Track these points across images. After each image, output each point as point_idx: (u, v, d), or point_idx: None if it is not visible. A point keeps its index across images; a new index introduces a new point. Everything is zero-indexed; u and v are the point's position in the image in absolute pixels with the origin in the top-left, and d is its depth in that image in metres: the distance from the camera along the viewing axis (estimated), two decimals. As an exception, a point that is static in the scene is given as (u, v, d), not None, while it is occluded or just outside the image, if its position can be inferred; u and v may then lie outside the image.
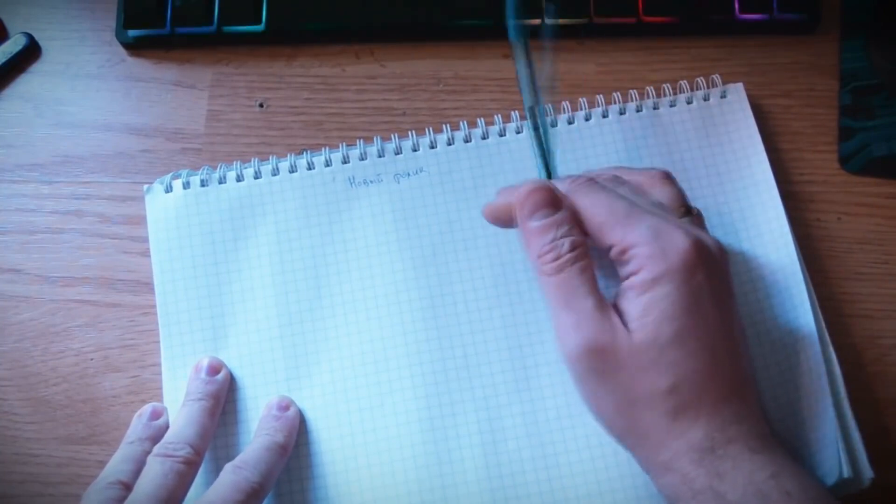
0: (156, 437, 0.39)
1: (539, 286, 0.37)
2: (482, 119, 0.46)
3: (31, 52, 0.49)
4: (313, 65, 0.49)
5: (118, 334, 0.44)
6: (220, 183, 0.45)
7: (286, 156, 0.45)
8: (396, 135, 0.46)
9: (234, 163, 0.45)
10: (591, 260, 0.36)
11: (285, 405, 0.41)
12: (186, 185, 0.45)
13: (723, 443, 0.33)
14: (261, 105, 0.48)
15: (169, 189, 0.45)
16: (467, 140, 0.46)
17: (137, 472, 0.37)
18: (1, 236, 0.46)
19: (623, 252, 0.35)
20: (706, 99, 0.46)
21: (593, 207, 0.36)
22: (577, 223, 0.37)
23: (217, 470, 0.38)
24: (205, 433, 0.39)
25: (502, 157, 0.45)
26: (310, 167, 0.45)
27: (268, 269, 0.43)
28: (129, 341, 0.44)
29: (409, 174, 0.45)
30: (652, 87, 0.47)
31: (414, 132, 0.46)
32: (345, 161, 0.45)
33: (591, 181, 0.37)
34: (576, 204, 0.37)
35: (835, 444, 0.39)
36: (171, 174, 0.45)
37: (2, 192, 0.47)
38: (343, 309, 0.43)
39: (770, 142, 0.46)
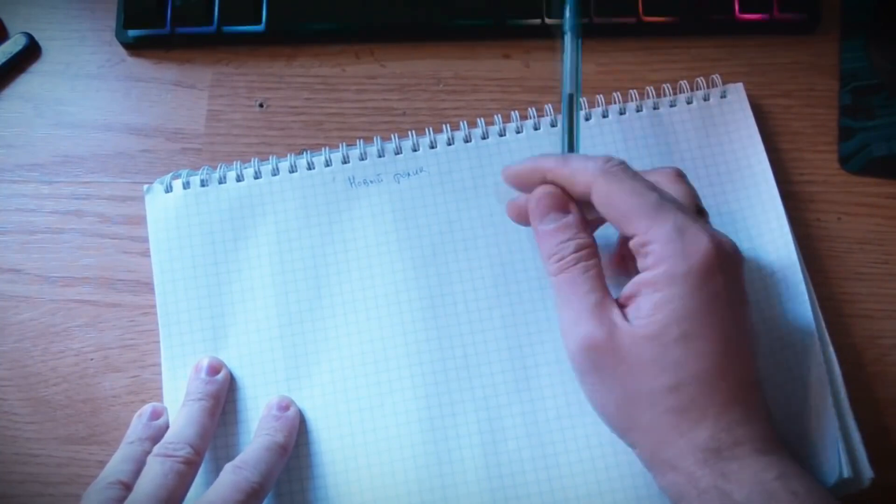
0: (156, 437, 0.39)
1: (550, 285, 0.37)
2: (482, 119, 0.46)
3: (31, 52, 0.49)
4: (313, 65, 0.49)
5: (118, 334, 0.44)
6: (220, 183, 0.45)
7: (286, 156, 0.45)
8: (396, 135, 0.46)
9: (234, 163, 0.45)
10: (598, 260, 0.37)
11: (285, 405, 0.41)
12: (186, 185, 0.45)
13: (729, 444, 0.33)
14: (261, 105, 0.48)
15: (169, 189, 0.45)
16: (467, 140, 0.46)
17: (137, 472, 0.37)
18: (1, 236, 0.46)
19: (643, 245, 0.35)
20: (706, 99, 0.46)
21: (622, 194, 0.35)
22: (585, 225, 0.37)
23: (217, 470, 0.37)
24: (205, 433, 0.39)
25: (502, 157, 0.45)
26: (310, 167, 0.45)
27: (268, 269, 0.43)
28: (129, 341, 0.44)
29: (409, 174, 0.45)
30: (652, 87, 0.47)
31: (414, 132, 0.46)
32: (345, 161, 0.45)
33: (626, 167, 0.37)
34: (606, 187, 0.36)
35: (835, 445, 0.39)
36: (171, 174, 0.45)
37: (2, 192, 0.47)
38: (343, 309, 0.43)
39: (770, 142, 0.46)
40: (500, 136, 0.46)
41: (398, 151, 0.45)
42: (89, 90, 0.49)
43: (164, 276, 0.43)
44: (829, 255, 0.45)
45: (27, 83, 0.49)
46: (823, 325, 0.42)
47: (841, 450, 0.38)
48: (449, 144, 0.45)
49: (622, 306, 0.35)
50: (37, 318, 0.45)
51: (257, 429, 0.40)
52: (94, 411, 0.43)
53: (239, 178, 0.45)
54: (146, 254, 0.44)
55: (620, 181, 0.36)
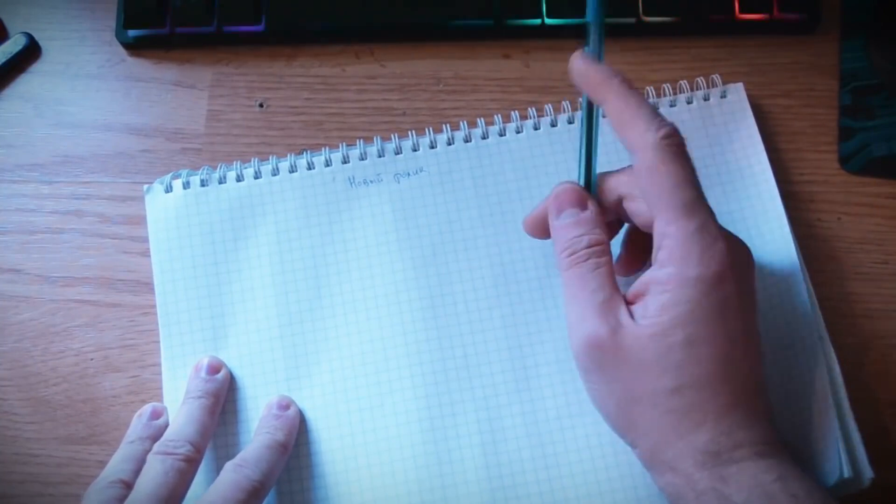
0: (156, 437, 0.39)
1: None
2: (482, 119, 0.46)
3: (31, 52, 0.49)
4: (313, 65, 0.49)
5: (118, 334, 0.44)
6: (220, 183, 0.45)
7: (286, 156, 0.45)
8: (396, 135, 0.46)
9: (234, 163, 0.45)
10: (610, 258, 0.37)
11: (285, 404, 0.41)
12: (186, 185, 0.45)
13: (729, 447, 0.33)
14: (261, 105, 0.48)
15: (169, 189, 0.45)
16: (467, 140, 0.46)
17: (138, 472, 0.37)
18: (1, 236, 0.46)
19: (663, 237, 0.34)
20: (706, 99, 0.46)
21: (662, 176, 0.34)
22: (601, 222, 0.37)
23: (218, 470, 0.37)
24: (204, 431, 0.39)
25: (502, 157, 0.45)
26: (310, 167, 0.45)
27: (268, 269, 0.43)
28: (129, 341, 0.44)
29: (409, 174, 0.45)
30: (652, 87, 0.47)
31: (414, 132, 0.46)
32: (345, 161, 0.45)
33: (682, 147, 0.35)
34: (652, 161, 0.35)
35: (835, 445, 0.39)
36: (171, 174, 0.45)
37: (2, 192, 0.47)
38: (343, 309, 0.43)
39: (770, 142, 0.46)
40: (500, 136, 0.46)
41: (398, 151, 0.45)
42: (89, 90, 0.49)
43: (164, 276, 0.43)
44: (829, 255, 0.45)
45: (27, 83, 0.49)
46: (823, 325, 0.42)
47: (841, 450, 0.38)
48: (449, 144, 0.45)
49: (630, 303, 0.35)
50: (37, 318, 0.45)
51: (257, 428, 0.40)
52: (94, 411, 0.43)
53: (239, 178, 0.45)
54: (146, 254, 0.44)
55: (669, 162, 0.35)
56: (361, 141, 0.45)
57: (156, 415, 0.41)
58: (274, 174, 0.45)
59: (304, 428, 0.41)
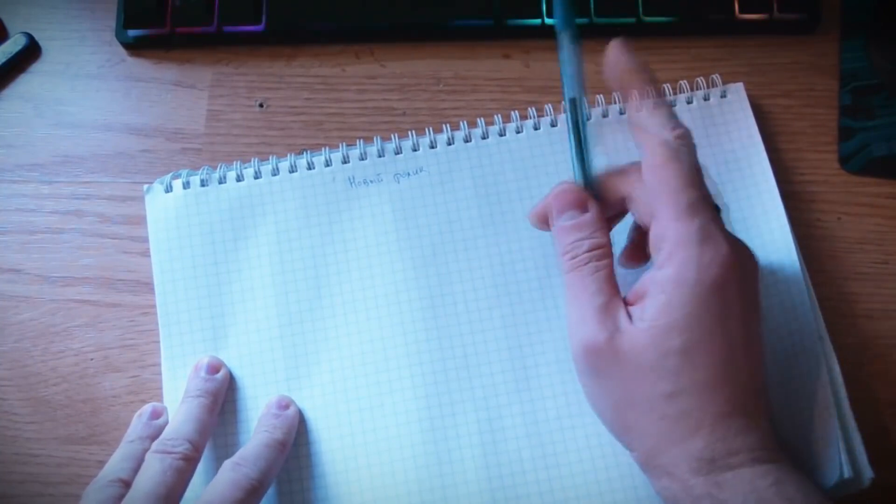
0: (156, 437, 0.39)
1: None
2: (482, 119, 0.46)
3: (31, 52, 0.49)
4: (313, 65, 0.49)
5: (118, 334, 0.44)
6: (220, 183, 0.45)
7: (286, 156, 0.45)
8: (396, 135, 0.46)
9: (234, 163, 0.45)
10: (611, 260, 0.36)
11: (285, 404, 0.41)
12: (186, 185, 0.45)
13: (724, 454, 0.33)
14: (261, 105, 0.48)
15: (169, 189, 0.45)
16: (467, 140, 0.46)
17: (137, 470, 0.37)
18: (1, 236, 0.46)
19: (664, 237, 0.34)
20: (706, 99, 0.46)
21: (668, 173, 0.34)
22: (602, 224, 0.37)
23: (216, 469, 0.37)
24: (203, 429, 0.39)
25: (502, 157, 0.45)
26: (310, 167, 0.45)
27: (268, 269, 0.43)
28: (129, 341, 0.44)
29: (409, 174, 0.45)
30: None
31: (414, 132, 0.46)
32: (345, 161, 0.45)
33: (690, 147, 0.35)
34: (658, 158, 0.34)
35: (835, 445, 0.39)
36: (171, 174, 0.45)
37: (2, 192, 0.47)
38: (343, 309, 0.43)
39: (770, 142, 0.46)
40: (500, 136, 0.46)
41: (398, 151, 0.45)
42: (89, 90, 0.49)
43: (164, 276, 0.43)
44: (829, 255, 0.45)
45: (27, 83, 0.49)
46: (823, 325, 0.42)
47: (841, 450, 0.38)
48: (449, 144, 0.45)
49: (630, 304, 0.35)
50: (37, 318, 0.45)
51: (256, 426, 0.40)
52: (94, 411, 0.43)
53: (239, 178, 0.45)
54: (146, 254, 0.44)
55: (678, 160, 0.34)
56: (361, 141, 0.45)
57: (156, 414, 0.41)
58: (274, 174, 0.45)
59: (304, 428, 0.41)
